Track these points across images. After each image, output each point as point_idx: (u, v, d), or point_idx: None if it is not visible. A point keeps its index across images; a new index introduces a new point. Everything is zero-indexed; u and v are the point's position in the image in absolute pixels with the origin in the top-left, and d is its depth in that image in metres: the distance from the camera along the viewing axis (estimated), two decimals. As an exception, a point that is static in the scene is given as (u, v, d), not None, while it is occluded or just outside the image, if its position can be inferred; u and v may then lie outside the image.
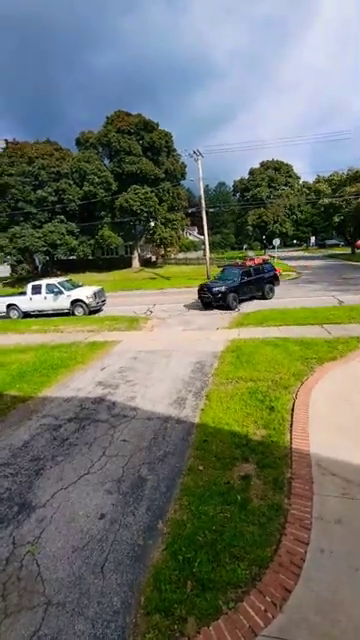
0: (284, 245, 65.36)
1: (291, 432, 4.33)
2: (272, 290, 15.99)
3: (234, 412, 4.95)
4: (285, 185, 50.30)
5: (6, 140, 35.97)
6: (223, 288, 14.00)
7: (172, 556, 2.73)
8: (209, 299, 14.10)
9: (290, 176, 50.48)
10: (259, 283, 15.43)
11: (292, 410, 4.89)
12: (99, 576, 2.64)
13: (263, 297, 15.44)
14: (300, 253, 59.34)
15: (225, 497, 3.30)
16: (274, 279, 16.30)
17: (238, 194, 54.41)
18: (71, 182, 35.25)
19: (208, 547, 2.79)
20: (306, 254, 56.34)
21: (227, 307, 13.82)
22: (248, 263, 16.36)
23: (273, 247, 39.46)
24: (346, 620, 2.22)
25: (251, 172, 50.80)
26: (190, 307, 15.33)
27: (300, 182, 52.87)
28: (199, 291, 14.79)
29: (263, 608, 2.34)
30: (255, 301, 14.97)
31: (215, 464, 3.82)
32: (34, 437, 4.76)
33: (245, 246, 75.83)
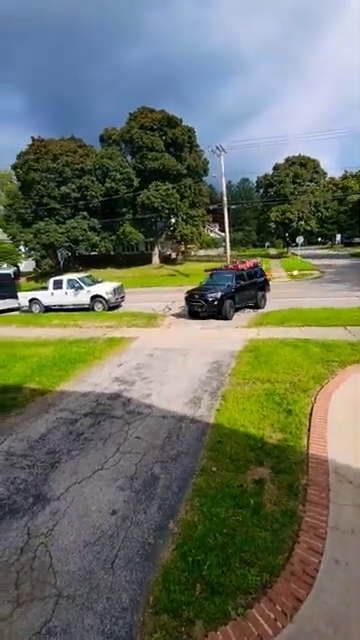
0: (308, 243, 63.75)
1: (308, 437, 4.21)
2: (264, 298, 14.20)
3: (250, 414, 4.88)
4: (310, 181, 48.91)
5: (32, 137, 36.89)
6: (219, 294, 11.96)
7: (182, 557, 2.72)
8: (201, 307, 12.15)
9: (316, 172, 49.01)
10: (253, 289, 13.74)
11: (310, 414, 4.75)
12: (109, 572, 2.67)
13: (256, 306, 13.69)
14: (325, 251, 57.76)
15: (238, 500, 3.25)
16: (265, 285, 14.70)
17: (261, 190, 53.39)
18: (94, 179, 35.74)
19: (218, 550, 2.75)
20: (331, 252, 54.76)
21: (223, 317, 11.97)
22: (240, 266, 14.50)
23: (296, 245, 38.53)
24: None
25: (275, 168, 49.68)
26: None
27: (327, 178, 51.33)
28: (187, 298, 12.73)
29: (273, 616, 2.29)
30: (247, 310, 13.36)
31: (229, 466, 3.77)
32: (51, 430, 4.87)
33: (267, 244, 74.53)
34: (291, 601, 2.37)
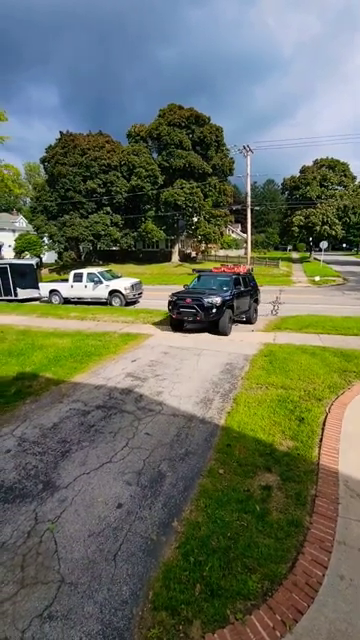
0: (332, 248, 62.33)
1: (320, 447, 4.14)
2: (257, 311, 12.11)
3: (261, 419, 4.83)
4: (339, 185, 47.76)
5: (61, 131, 37.64)
6: (218, 299, 9.39)
7: (184, 556, 2.73)
8: (195, 316, 9.53)
9: (345, 175, 47.81)
10: (248, 300, 11.39)
11: (323, 424, 4.66)
12: (111, 564, 2.71)
13: (248, 321, 11.48)
14: (349, 258, 56.31)
15: (243, 505, 3.23)
16: (257, 296, 12.59)
17: (287, 192, 52.55)
18: (119, 174, 36.13)
19: (221, 553, 2.75)
20: (356, 259, 53.33)
21: (221, 331, 9.60)
22: (236, 270, 12.23)
23: (320, 250, 37.71)
24: (360, 655, 2.09)
25: (302, 170, 48.78)
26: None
27: (356, 182, 49.95)
28: (173, 304, 9.94)
29: (272, 625, 2.27)
30: (240, 326, 11.23)
31: (236, 470, 3.75)
32: (63, 420, 4.97)
33: (289, 247, 73.33)
34: (291, 612, 2.34)
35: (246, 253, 29.97)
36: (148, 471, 3.79)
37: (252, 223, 29.27)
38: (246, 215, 28.45)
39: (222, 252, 49.03)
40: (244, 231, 40.34)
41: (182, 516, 3.16)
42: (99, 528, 3.04)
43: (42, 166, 41.50)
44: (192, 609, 2.35)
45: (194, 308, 9.51)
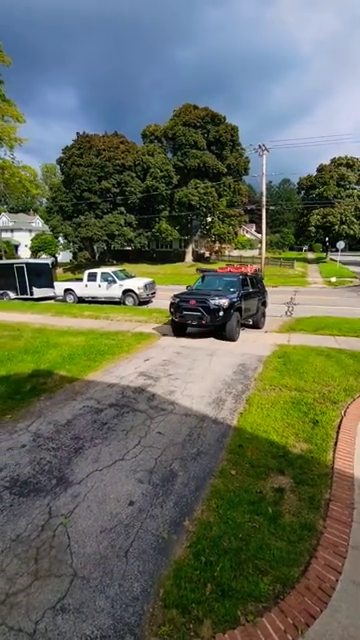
0: (349, 249, 61.08)
1: (335, 451, 4.06)
2: (264, 315, 11.31)
3: (274, 420, 4.78)
4: (357, 184, 46.79)
5: (77, 133, 38.22)
6: (225, 301, 8.66)
7: (195, 555, 2.73)
8: (200, 319, 8.81)
9: (363, 174, 46.78)
10: (255, 302, 10.63)
11: (338, 427, 4.58)
12: (123, 560, 2.73)
13: (255, 325, 10.80)
14: (366, 258, 55.04)
15: (255, 507, 3.21)
16: (266, 298, 11.74)
17: (303, 192, 51.80)
18: (134, 175, 36.40)
19: (232, 554, 2.73)
20: (373, 260, 52.05)
21: (227, 337, 8.90)
22: (243, 270, 11.43)
23: (336, 250, 37.01)
24: (375, 664, 2.04)
25: (319, 169, 48.01)
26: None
27: (375, 181, 48.80)
28: (175, 306, 9.21)
29: (283, 628, 2.24)
30: (246, 330, 10.53)
31: (248, 471, 3.73)
32: (76, 417, 5.05)
33: (305, 247, 72.27)
34: (304, 616, 2.31)
35: (260, 253, 29.66)
36: (160, 470, 3.81)
37: (267, 223, 28.94)
38: (261, 215, 28.15)
39: (236, 252, 48.71)
40: (258, 231, 40.00)
41: (193, 515, 3.16)
42: (111, 524, 3.07)
43: (58, 167, 42.23)
44: (203, 608, 2.35)
45: (199, 311, 8.78)
